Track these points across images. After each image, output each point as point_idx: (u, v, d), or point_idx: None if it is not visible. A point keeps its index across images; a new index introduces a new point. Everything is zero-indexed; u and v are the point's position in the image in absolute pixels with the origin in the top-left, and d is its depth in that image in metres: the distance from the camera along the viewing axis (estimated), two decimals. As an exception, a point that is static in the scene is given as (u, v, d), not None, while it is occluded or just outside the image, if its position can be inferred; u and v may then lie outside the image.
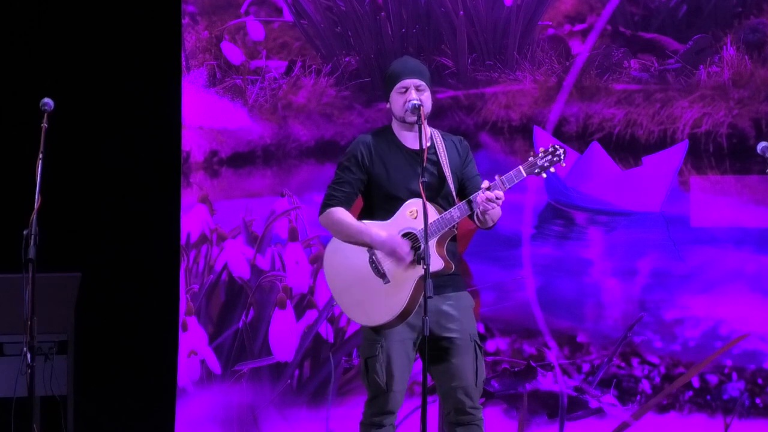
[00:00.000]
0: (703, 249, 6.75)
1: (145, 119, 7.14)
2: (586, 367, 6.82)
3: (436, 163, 4.85)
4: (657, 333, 6.76)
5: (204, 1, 7.24)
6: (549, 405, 6.82)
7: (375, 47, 7.05)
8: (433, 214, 4.73)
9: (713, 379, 6.71)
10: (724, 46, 6.71)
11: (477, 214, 4.75)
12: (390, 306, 4.74)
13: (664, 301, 6.77)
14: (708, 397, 6.71)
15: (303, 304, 7.09)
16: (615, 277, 6.83)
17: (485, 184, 4.71)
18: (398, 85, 4.85)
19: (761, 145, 4.88)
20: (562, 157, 4.82)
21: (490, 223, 4.82)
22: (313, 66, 7.11)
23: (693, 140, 6.74)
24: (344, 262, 4.86)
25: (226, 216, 7.19)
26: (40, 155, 4.89)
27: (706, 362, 6.71)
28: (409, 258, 4.74)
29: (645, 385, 6.77)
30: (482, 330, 6.87)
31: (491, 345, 6.89)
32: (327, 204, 4.90)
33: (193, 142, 7.21)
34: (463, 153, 4.96)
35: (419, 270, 4.71)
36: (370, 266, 4.80)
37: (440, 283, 4.73)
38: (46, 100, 5.03)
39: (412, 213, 4.79)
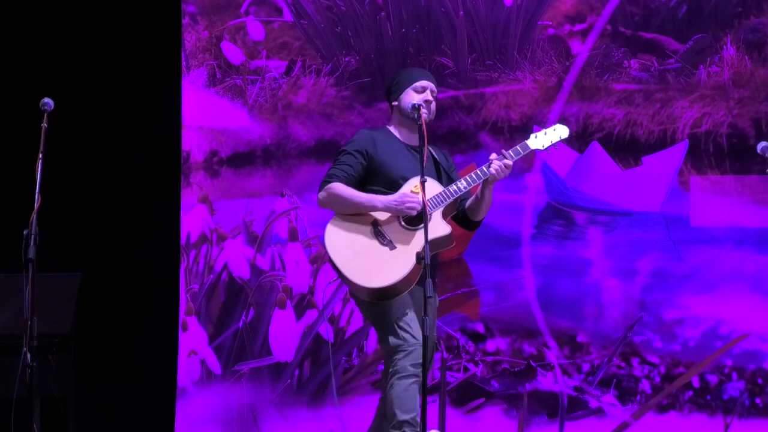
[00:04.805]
0: (703, 249, 6.75)
1: (145, 119, 7.14)
2: (586, 367, 6.82)
3: (430, 157, 5.02)
4: (657, 333, 6.76)
5: (204, 1, 7.24)
6: (549, 405, 6.82)
7: (375, 47, 7.05)
8: (437, 187, 4.91)
9: (713, 379, 6.71)
10: (724, 46, 6.71)
11: (470, 205, 4.98)
12: (399, 266, 4.82)
13: (664, 301, 6.77)
14: (708, 397, 6.71)
15: (303, 304, 7.09)
16: (615, 277, 6.83)
17: (493, 156, 4.91)
18: (417, 84, 5.04)
19: (761, 145, 4.89)
20: (566, 134, 5.07)
21: (482, 215, 5.00)
22: (313, 66, 7.11)
23: (693, 140, 6.74)
24: (348, 235, 4.92)
25: (226, 216, 7.19)
26: (40, 155, 4.89)
27: (706, 362, 6.71)
28: (419, 203, 4.80)
29: (645, 385, 6.77)
30: (482, 330, 6.87)
31: (491, 345, 6.89)
32: (327, 181, 5.00)
33: (193, 142, 7.21)
34: (449, 159, 5.20)
35: (421, 236, 4.77)
36: (375, 237, 4.89)
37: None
38: (46, 100, 5.03)
39: (416, 188, 4.89)
